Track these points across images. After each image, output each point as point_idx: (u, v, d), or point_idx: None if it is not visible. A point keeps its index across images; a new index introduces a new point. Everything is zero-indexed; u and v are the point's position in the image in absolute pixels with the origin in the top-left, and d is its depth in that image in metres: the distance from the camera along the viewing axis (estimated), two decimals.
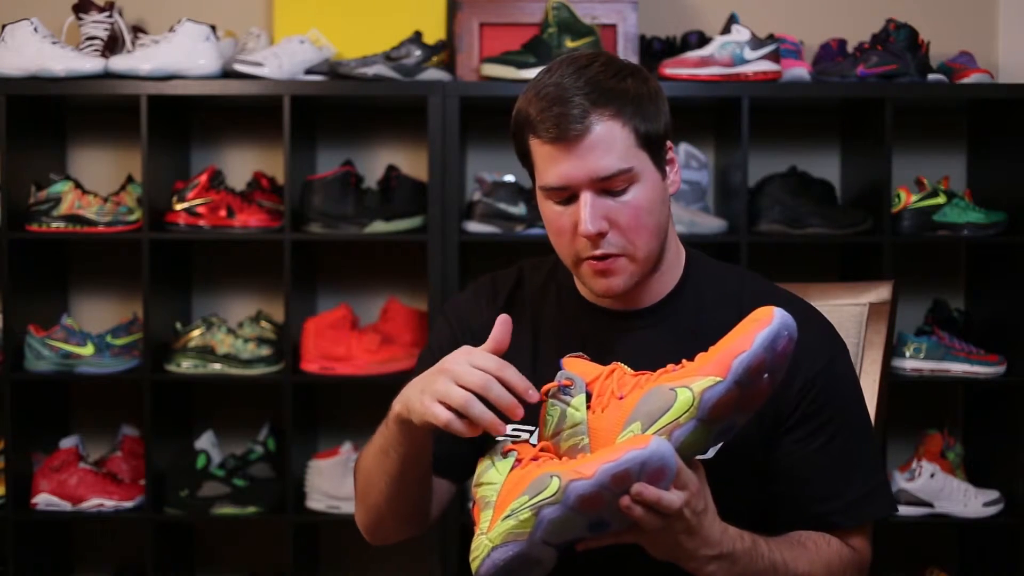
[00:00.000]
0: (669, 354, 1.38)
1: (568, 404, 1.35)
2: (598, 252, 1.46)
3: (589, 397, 1.35)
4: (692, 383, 1.28)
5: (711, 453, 1.44)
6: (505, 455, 1.36)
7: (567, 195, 1.46)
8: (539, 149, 1.46)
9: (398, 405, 1.42)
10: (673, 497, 1.26)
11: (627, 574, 1.49)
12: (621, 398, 1.32)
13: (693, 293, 1.57)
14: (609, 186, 1.44)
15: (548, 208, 1.49)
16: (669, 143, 1.51)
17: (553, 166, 1.45)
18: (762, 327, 1.27)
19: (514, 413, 1.32)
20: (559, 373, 1.38)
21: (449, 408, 1.33)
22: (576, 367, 1.39)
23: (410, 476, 1.49)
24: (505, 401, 1.32)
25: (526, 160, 1.51)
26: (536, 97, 1.45)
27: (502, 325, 1.38)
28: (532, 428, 1.46)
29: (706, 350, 1.34)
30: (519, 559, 1.28)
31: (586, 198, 1.44)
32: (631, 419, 1.30)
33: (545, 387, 1.38)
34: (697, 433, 1.28)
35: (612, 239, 1.45)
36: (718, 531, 1.34)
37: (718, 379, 1.26)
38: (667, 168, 1.51)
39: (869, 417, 1.58)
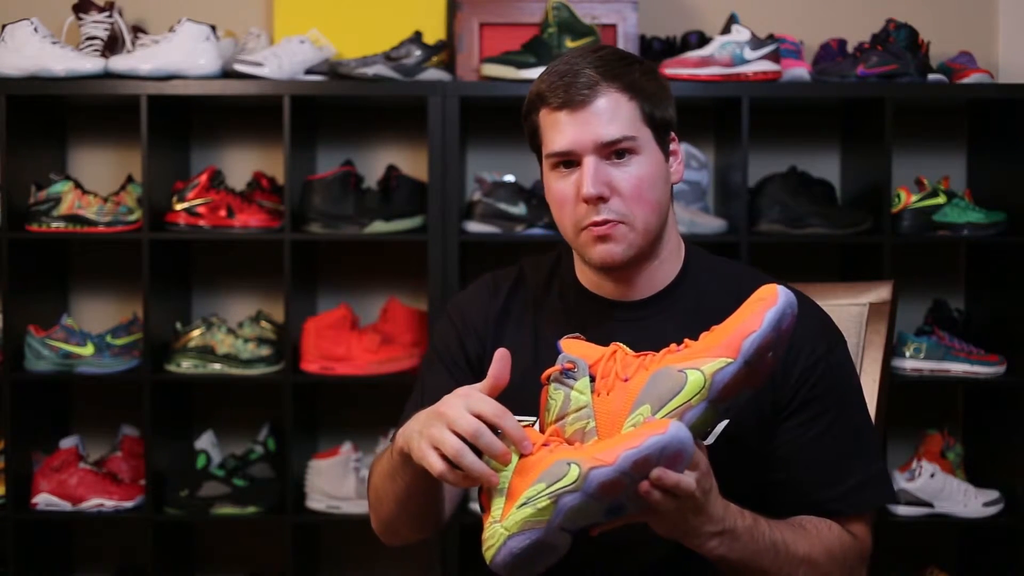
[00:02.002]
0: (671, 342, 1.39)
1: (572, 388, 1.35)
2: (598, 218, 1.48)
3: (592, 380, 1.34)
4: (702, 365, 1.28)
5: (711, 439, 1.44)
6: None
7: (571, 159, 1.50)
8: (547, 118, 1.51)
9: (401, 440, 1.40)
10: (690, 480, 1.27)
11: (633, 553, 1.50)
12: (626, 380, 1.32)
13: (693, 283, 1.59)
14: (612, 152, 1.48)
15: (552, 180, 1.53)
16: (673, 135, 1.56)
17: (560, 131, 1.49)
18: (769, 306, 1.28)
19: (504, 460, 1.30)
20: (560, 356, 1.37)
21: (444, 456, 1.31)
22: (575, 349, 1.38)
23: (417, 496, 1.50)
24: (495, 450, 1.30)
25: (534, 141, 1.55)
26: (547, 75, 1.52)
27: (500, 361, 1.36)
28: (534, 419, 1.47)
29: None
30: (536, 547, 1.27)
31: (589, 162, 1.48)
32: (639, 401, 1.29)
33: (547, 372, 1.38)
34: (706, 414, 1.28)
35: (613, 205, 1.49)
36: (720, 508, 1.35)
37: (729, 360, 1.27)
38: (671, 158, 1.56)
39: (867, 406, 1.60)
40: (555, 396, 1.36)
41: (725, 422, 1.43)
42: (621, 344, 1.38)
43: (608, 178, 1.48)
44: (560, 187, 1.52)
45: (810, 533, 1.47)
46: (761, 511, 1.44)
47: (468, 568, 2.84)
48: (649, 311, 1.56)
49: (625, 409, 1.30)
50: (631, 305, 1.57)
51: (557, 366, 1.37)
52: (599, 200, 1.48)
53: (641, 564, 1.52)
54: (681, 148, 1.60)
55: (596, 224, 1.49)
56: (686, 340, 1.34)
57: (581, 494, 1.23)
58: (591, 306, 1.59)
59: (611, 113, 1.47)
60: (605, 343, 1.41)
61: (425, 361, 1.69)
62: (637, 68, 1.52)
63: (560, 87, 1.48)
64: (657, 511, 1.29)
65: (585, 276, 1.60)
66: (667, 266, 1.58)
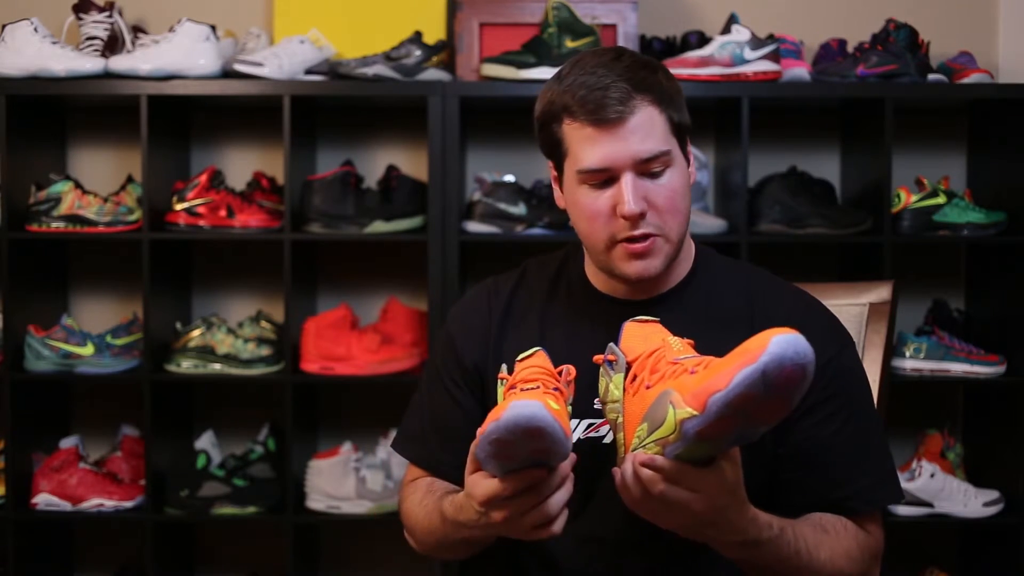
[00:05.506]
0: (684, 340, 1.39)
1: (611, 379, 1.38)
2: (637, 233, 1.48)
3: (629, 369, 1.36)
4: (678, 406, 1.26)
5: None
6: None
7: (605, 177, 1.49)
8: (577, 133, 1.49)
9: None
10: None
11: (637, 552, 1.51)
12: (648, 388, 1.33)
13: (703, 283, 1.60)
14: (649, 168, 1.48)
15: (581, 193, 1.51)
16: (688, 137, 1.57)
17: (593, 148, 1.48)
18: (747, 363, 1.20)
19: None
20: (609, 345, 1.40)
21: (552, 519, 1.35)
22: (632, 335, 1.39)
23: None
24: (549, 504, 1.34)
25: (555, 151, 1.53)
26: (572, 86, 1.48)
27: None
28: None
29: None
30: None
31: (628, 179, 1.47)
32: (644, 417, 1.31)
33: (597, 356, 1.41)
34: (693, 448, 1.26)
35: (650, 220, 1.49)
36: (745, 520, 1.35)
37: (694, 412, 1.23)
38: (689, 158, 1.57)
39: (875, 407, 1.60)
40: (601, 381, 1.40)
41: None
42: (669, 340, 1.37)
43: (645, 193, 1.48)
44: (592, 202, 1.50)
45: (831, 535, 1.48)
46: (770, 509, 1.44)
47: (468, 568, 2.84)
48: (659, 309, 1.56)
49: (638, 417, 1.32)
50: (640, 304, 1.58)
51: (604, 355, 1.40)
52: (639, 216, 1.48)
53: (645, 563, 1.52)
54: (692, 151, 1.60)
55: (634, 240, 1.49)
56: (704, 359, 1.30)
57: (483, 446, 1.28)
58: (600, 304, 1.60)
59: (647, 129, 1.47)
60: (615, 341, 1.42)
61: (426, 373, 1.70)
62: (661, 74, 1.51)
63: (591, 101, 1.46)
64: (662, 512, 1.31)
65: (595, 275, 1.61)
66: (679, 267, 1.60)
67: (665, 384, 1.30)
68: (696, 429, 1.23)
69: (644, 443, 1.30)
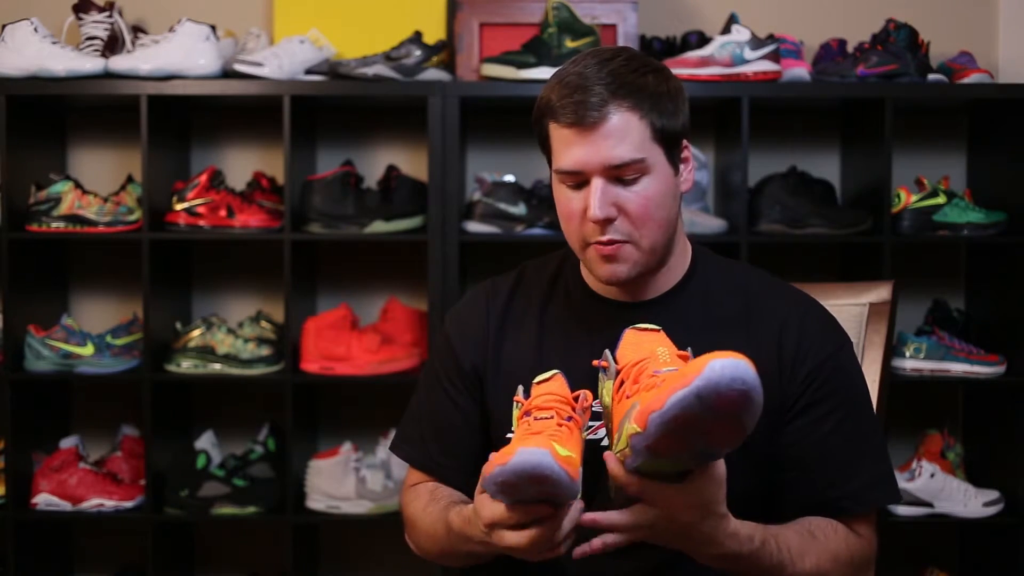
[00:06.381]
0: (676, 344, 1.39)
1: (603, 385, 1.38)
2: (604, 238, 1.48)
3: (618, 374, 1.37)
4: (628, 423, 1.27)
5: None
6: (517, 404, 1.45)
7: (579, 180, 1.49)
8: (557, 133, 1.50)
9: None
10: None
11: (634, 554, 1.51)
12: (628, 397, 1.33)
13: (699, 285, 1.59)
14: (620, 174, 1.47)
15: (561, 192, 1.53)
16: (685, 142, 1.55)
17: (568, 150, 1.48)
18: (680, 387, 1.20)
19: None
20: (605, 351, 1.40)
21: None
22: (628, 344, 1.39)
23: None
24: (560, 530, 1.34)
25: (544, 146, 1.54)
26: (559, 84, 1.49)
27: None
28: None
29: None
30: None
31: (597, 184, 1.47)
32: (618, 426, 1.32)
33: (595, 361, 1.41)
34: (648, 463, 1.28)
35: (619, 226, 1.48)
36: (723, 535, 1.35)
37: (639, 429, 1.25)
38: (681, 166, 1.55)
39: (873, 407, 1.60)
40: (598, 386, 1.41)
41: None
42: (658, 351, 1.36)
43: (615, 199, 1.47)
44: (567, 203, 1.51)
45: (818, 541, 1.47)
46: (764, 509, 1.44)
47: (469, 568, 2.84)
48: (655, 311, 1.56)
49: (615, 427, 1.33)
50: (637, 306, 1.57)
51: (599, 361, 1.40)
52: (606, 222, 1.47)
53: (644, 565, 1.52)
54: (692, 152, 1.59)
55: (602, 243, 1.49)
56: (664, 375, 1.30)
57: (489, 485, 1.29)
58: (597, 307, 1.59)
59: (620, 135, 1.45)
60: (611, 343, 1.42)
61: (424, 375, 1.70)
62: (651, 78, 1.49)
63: (570, 105, 1.46)
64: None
65: (591, 278, 1.61)
66: (674, 270, 1.59)
67: (639, 396, 1.31)
68: (642, 445, 1.25)
69: (615, 452, 1.31)
